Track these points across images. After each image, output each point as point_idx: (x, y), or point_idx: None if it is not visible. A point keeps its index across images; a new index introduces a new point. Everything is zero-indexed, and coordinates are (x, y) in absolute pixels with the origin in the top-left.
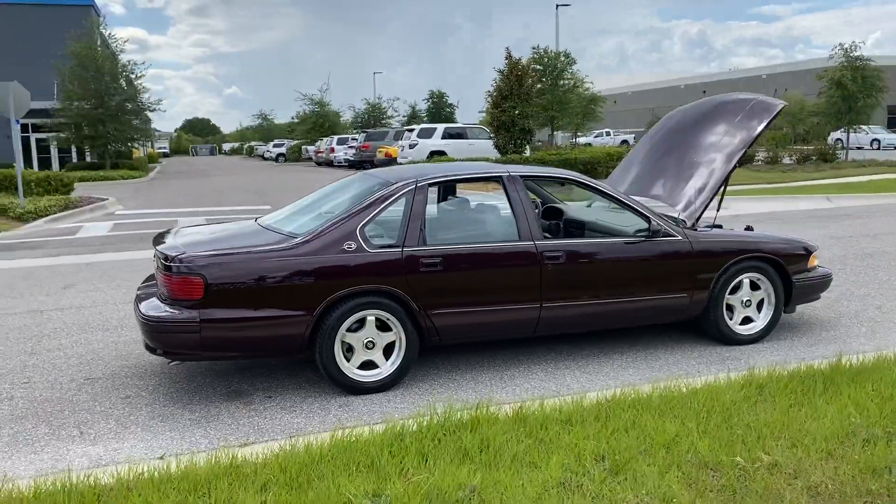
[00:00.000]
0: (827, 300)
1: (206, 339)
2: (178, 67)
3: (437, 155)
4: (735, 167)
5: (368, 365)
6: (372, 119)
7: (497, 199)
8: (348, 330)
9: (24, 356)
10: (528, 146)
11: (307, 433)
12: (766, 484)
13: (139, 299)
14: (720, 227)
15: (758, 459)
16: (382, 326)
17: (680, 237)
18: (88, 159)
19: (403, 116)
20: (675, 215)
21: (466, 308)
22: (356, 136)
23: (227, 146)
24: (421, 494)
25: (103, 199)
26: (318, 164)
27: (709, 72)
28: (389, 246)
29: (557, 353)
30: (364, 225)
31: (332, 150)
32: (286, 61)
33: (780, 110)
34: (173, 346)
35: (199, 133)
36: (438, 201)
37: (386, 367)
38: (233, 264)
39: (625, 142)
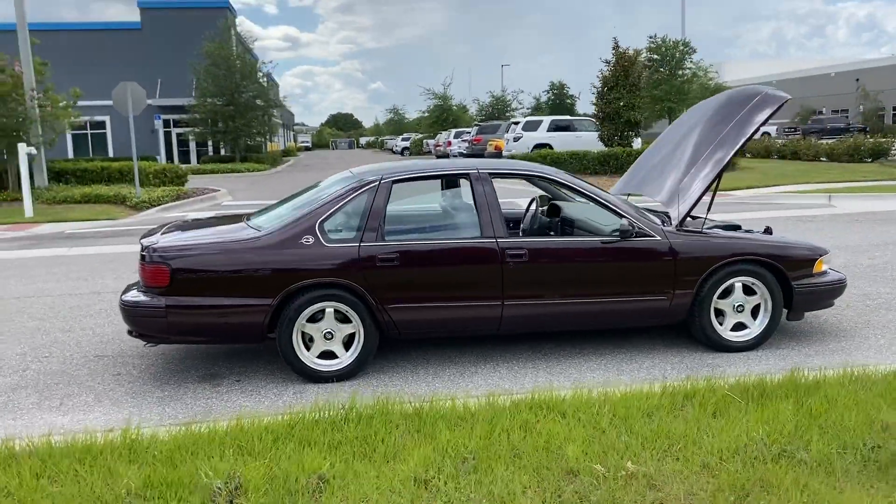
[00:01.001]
0: (862, 308)
1: (172, 323)
2: (326, 64)
3: (542, 148)
4: (727, 165)
5: (329, 355)
6: (496, 112)
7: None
8: (308, 321)
9: (59, 332)
10: (636, 138)
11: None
12: (612, 493)
13: (127, 289)
14: (738, 226)
15: (622, 468)
16: (343, 318)
17: (658, 237)
18: (222, 153)
19: (528, 109)
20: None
21: (424, 303)
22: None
23: (363, 140)
24: (269, 477)
25: (215, 191)
26: (438, 157)
27: (872, 58)
28: (347, 241)
29: (535, 352)
30: (323, 221)
31: (449, 143)
32: (428, 55)
33: (781, 105)
34: (145, 329)
35: (342, 127)
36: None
37: (345, 358)
38: (196, 255)
39: (766, 133)
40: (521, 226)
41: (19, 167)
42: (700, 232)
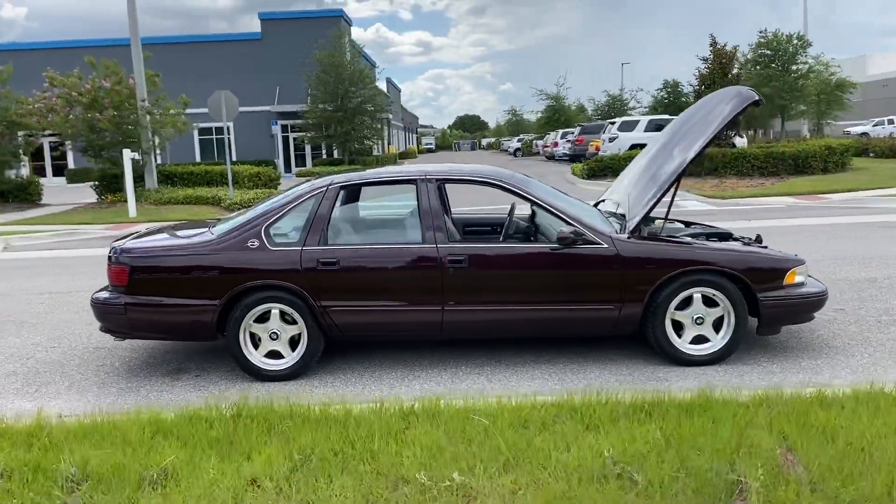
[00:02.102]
0: (872, 324)
1: (131, 320)
2: (457, 67)
3: (638, 148)
4: (684, 170)
5: (276, 354)
6: (612, 112)
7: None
8: (256, 321)
9: (83, 325)
10: (738, 137)
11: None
12: (420, 501)
13: (104, 288)
14: (728, 234)
15: (448, 479)
16: (288, 320)
17: (605, 245)
18: (335, 156)
19: (645, 108)
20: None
21: (365, 307)
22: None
23: (485, 141)
24: (114, 465)
25: None
26: (548, 158)
27: None
28: (291, 245)
29: (489, 358)
30: (269, 225)
31: (556, 144)
32: (559, 56)
33: (748, 106)
34: (110, 324)
35: (468, 129)
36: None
37: (290, 358)
38: (151, 257)
39: (864, 134)
40: (503, 232)
41: (141, 169)
42: (652, 239)
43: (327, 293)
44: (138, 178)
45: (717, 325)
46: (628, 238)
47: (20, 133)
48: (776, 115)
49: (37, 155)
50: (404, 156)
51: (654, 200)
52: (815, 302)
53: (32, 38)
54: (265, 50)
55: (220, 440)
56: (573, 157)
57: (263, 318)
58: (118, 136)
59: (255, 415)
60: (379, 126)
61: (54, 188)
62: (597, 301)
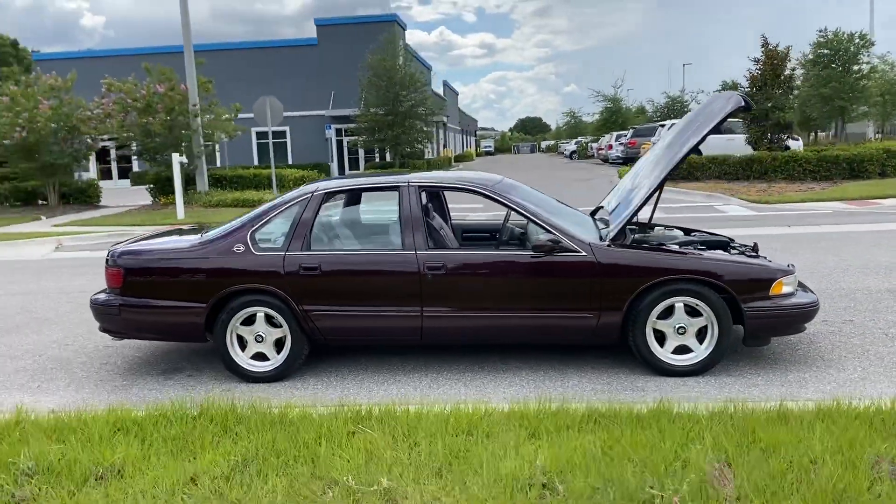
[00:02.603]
0: (879, 337)
1: (126, 320)
2: (520, 69)
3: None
4: (667, 176)
5: (262, 356)
6: (671, 113)
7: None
8: (243, 323)
9: None
10: (793, 140)
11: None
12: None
13: (103, 290)
14: (726, 242)
15: (376, 483)
16: (273, 323)
17: (583, 253)
18: (388, 159)
19: None
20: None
21: (346, 312)
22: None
23: (544, 144)
24: (69, 460)
25: None
26: (603, 160)
27: None
28: (274, 250)
29: (473, 364)
30: (255, 230)
31: (610, 146)
32: (624, 56)
33: (729, 113)
34: (107, 324)
35: (529, 131)
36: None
37: (275, 360)
38: (144, 260)
39: None
40: (498, 238)
41: (192, 172)
42: (633, 247)
43: (309, 298)
44: (190, 182)
45: (702, 335)
46: (608, 246)
47: (81, 137)
48: (836, 116)
49: (104, 158)
50: (460, 159)
51: (635, 209)
52: (805, 313)
53: (109, 45)
54: (321, 55)
55: (176, 438)
56: (626, 160)
57: (250, 320)
58: (170, 140)
59: (215, 415)
60: (430, 129)
61: (117, 190)
62: (574, 309)
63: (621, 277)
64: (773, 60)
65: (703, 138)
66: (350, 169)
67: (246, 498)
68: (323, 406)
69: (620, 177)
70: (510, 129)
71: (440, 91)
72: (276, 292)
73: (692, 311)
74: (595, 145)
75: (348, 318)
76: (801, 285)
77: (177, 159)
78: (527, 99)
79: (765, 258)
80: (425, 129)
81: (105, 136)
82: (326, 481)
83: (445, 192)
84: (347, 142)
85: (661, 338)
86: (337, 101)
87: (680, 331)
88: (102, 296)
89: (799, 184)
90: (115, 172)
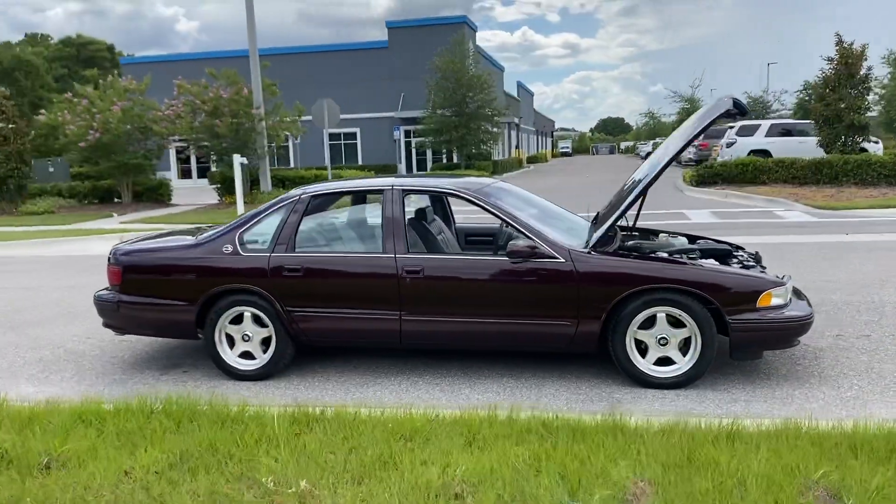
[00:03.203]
0: (879, 354)
1: (124, 316)
2: (605, 68)
3: (758, 154)
4: (653, 179)
5: (249, 355)
6: (753, 114)
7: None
8: (231, 322)
9: None
10: (871, 143)
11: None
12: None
13: (106, 287)
14: (728, 250)
15: (294, 486)
16: (260, 322)
17: (561, 259)
18: (455, 160)
19: (788, 110)
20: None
21: (327, 313)
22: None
23: (623, 145)
24: (23, 449)
25: None
26: (676, 162)
27: None
28: (261, 251)
29: (459, 369)
30: (243, 232)
31: None
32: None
33: (714, 119)
34: (108, 320)
35: (610, 132)
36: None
37: (261, 359)
38: (140, 259)
39: None
40: (495, 242)
41: (256, 173)
42: (614, 255)
43: (292, 299)
44: (254, 182)
45: (685, 347)
46: (588, 252)
47: (153, 138)
48: None
49: (185, 158)
50: (533, 160)
51: (617, 216)
52: (795, 327)
53: (202, 48)
54: (391, 57)
55: (130, 432)
56: (698, 162)
57: (238, 320)
58: (235, 141)
59: (173, 411)
60: (497, 130)
61: (195, 189)
62: (552, 316)
63: (600, 285)
64: (847, 59)
65: (686, 146)
66: (418, 170)
67: (169, 494)
68: (279, 407)
69: (684, 180)
70: (591, 130)
71: (514, 92)
72: (261, 293)
73: (675, 322)
74: None
75: (330, 320)
76: (799, 295)
77: (237, 160)
78: (610, 99)
79: (761, 269)
80: (492, 130)
81: (176, 137)
82: (249, 482)
83: (448, 197)
84: (415, 143)
85: (643, 348)
86: (406, 103)
87: (662, 342)
88: (104, 292)
89: (872, 189)
90: (194, 171)
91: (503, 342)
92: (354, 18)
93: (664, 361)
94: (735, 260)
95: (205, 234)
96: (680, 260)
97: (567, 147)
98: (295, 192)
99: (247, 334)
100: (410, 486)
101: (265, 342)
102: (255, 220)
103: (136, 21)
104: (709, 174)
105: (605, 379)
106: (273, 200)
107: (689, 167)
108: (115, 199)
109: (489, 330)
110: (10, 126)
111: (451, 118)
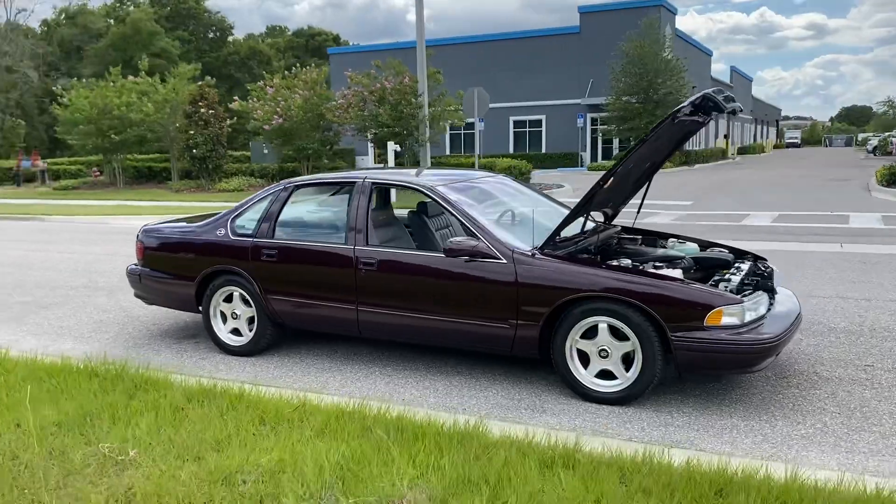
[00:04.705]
0: (881, 389)
1: (145, 287)
2: (855, 51)
3: None
4: (600, 184)
5: (238, 332)
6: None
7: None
8: (225, 300)
9: None
10: None
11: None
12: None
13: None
14: (725, 260)
15: (126, 453)
16: (248, 302)
17: (504, 260)
18: None
19: None
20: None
21: (295, 298)
22: None
23: (861, 136)
24: None
25: (560, 186)
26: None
27: None
28: (246, 235)
29: (424, 364)
30: (236, 217)
31: None
32: None
33: (686, 113)
34: (136, 290)
35: (854, 122)
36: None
37: (246, 336)
38: (156, 238)
39: None
40: None
41: (415, 159)
42: (562, 259)
43: (268, 282)
44: (415, 167)
45: (629, 362)
46: (532, 255)
47: (330, 126)
48: None
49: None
50: (743, 151)
51: (565, 221)
52: (750, 351)
53: (430, 37)
54: (582, 43)
55: (56, 390)
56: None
57: (230, 298)
58: (397, 129)
59: (119, 375)
60: None
61: None
62: (492, 318)
63: (539, 290)
64: None
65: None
66: (603, 159)
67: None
68: (195, 379)
69: (876, 179)
70: (830, 119)
71: (726, 78)
72: (243, 274)
73: (619, 334)
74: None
75: (300, 305)
76: (779, 316)
77: (391, 147)
78: (861, 85)
79: (769, 287)
80: None
81: (353, 126)
82: (96, 446)
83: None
84: (600, 130)
85: (586, 359)
86: (594, 90)
87: (602, 353)
88: (133, 266)
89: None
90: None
91: (448, 340)
92: (581, 2)
93: (606, 375)
94: (730, 274)
95: (209, 219)
96: (624, 268)
97: (795, 137)
98: (282, 182)
99: (235, 312)
100: (209, 469)
101: (251, 321)
102: (247, 206)
103: (371, 12)
104: None
105: (556, 389)
106: (263, 189)
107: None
108: None
109: (434, 326)
110: (210, 112)
111: (635, 105)
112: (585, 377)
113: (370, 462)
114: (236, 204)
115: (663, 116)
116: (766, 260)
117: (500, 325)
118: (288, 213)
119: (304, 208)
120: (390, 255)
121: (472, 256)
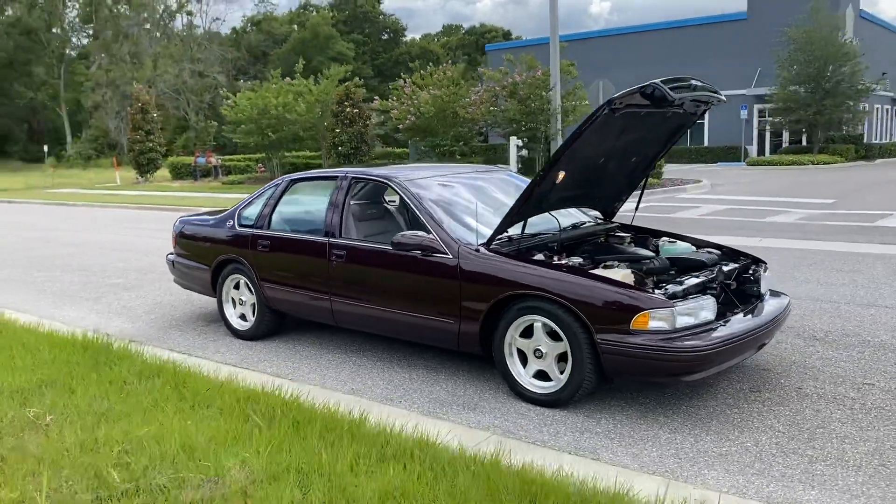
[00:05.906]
0: (861, 412)
1: (178, 272)
2: None
3: None
4: (537, 182)
5: (245, 317)
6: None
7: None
8: (234, 287)
9: None
10: None
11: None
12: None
13: None
14: (719, 260)
15: (40, 418)
16: (251, 289)
17: (449, 255)
18: (804, 142)
19: None
20: None
21: (283, 287)
22: None
23: None
24: None
25: (697, 182)
26: None
27: None
28: (248, 226)
29: (407, 361)
30: (242, 209)
31: None
32: None
33: (614, 106)
34: (174, 276)
35: None
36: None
37: (250, 321)
38: (185, 228)
39: None
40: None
41: (547, 151)
42: (504, 255)
43: (263, 271)
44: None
45: (564, 363)
46: (475, 251)
47: (465, 122)
48: None
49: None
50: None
51: (508, 219)
52: (681, 359)
53: (612, 27)
54: (750, 30)
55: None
56: None
57: (238, 285)
58: (525, 123)
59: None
60: (864, 108)
61: None
62: (438, 313)
63: (479, 285)
64: None
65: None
66: (770, 153)
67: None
68: (165, 354)
69: None
70: None
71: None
72: (246, 263)
73: (555, 335)
74: None
75: (287, 293)
76: (737, 324)
77: (513, 142)
78: None
79: (756, 291)
80: (855, 108)
81: (485, 122)
82: (26, 410)
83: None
84: (762, 123)
85: (525, 358)
86: (762, 79)
87: (537, 353)
88: (170, 254)
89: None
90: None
91: (402, 333)
92: None
93: (545, 376)
94: (690, 277)
95: (225, 212)
96: (558, 266)
97: None
98: (284, 176)
99: (241, 299)
100: (95, 438)
101: (254, 307)
102: (252, 200)
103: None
104: None
105: (497, 386)
106: (268, 183)
107: None
108: None
109: (390, 318)
110: (355, 111)
111: (802, 94)
112: (524, 377)
113: (226, 442)
114: (249, 197)
115: (831, 106)
116: (764, 263)
117: (446, 320)
118: (283, 206)
119: (297, 202)
120: (356, 247)
121: (419, 250)
